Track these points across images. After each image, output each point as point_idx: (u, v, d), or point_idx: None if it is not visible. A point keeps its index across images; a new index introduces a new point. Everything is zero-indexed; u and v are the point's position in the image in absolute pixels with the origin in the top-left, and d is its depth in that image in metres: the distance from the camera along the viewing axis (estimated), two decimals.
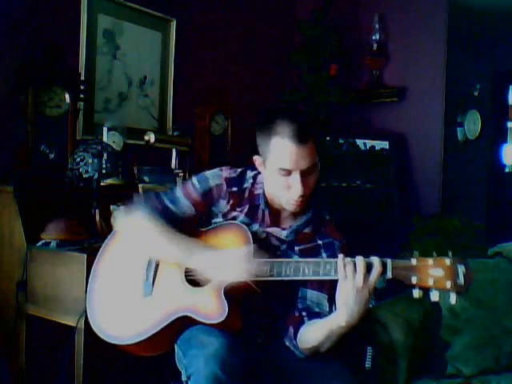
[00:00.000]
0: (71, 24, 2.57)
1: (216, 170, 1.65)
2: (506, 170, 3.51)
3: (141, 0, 2.83)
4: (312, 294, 1.57)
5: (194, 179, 1.66)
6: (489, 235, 2.95)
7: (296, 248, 1.60)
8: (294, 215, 1.60)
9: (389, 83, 3.56)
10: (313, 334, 1.49)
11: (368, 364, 2.58)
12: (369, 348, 2.47)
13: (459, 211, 2.98)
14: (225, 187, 1.62)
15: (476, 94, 3.39)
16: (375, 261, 1.35)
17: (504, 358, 2.06)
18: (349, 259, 1.36)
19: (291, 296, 1.59)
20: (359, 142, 3.39)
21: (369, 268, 1.34)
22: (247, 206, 1.62)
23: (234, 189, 1.63)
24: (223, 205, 1.64)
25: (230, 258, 1.46)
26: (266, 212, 1.60)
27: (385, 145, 3.42)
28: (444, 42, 3.34)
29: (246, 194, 1.63)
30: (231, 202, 1.63)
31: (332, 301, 1.51)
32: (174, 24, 3.00)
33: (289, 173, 1.48)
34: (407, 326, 2.08)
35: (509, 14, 3.21)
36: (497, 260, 2.30)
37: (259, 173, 1.64)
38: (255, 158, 1.59)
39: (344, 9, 3.63)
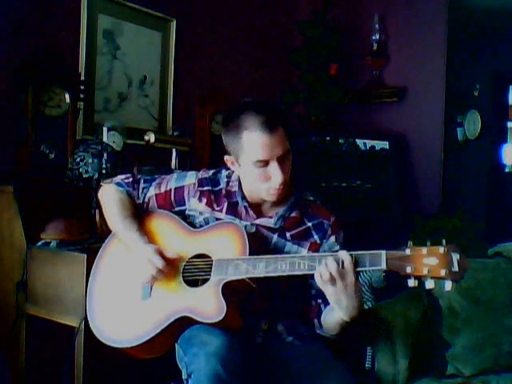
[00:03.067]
0: (71, 24, 2.57)
1: (195, 171, 1.73)
2: (506, 169, 3.51)
3: (141, 0, 2.83)
4: None
5: (175, 174, 1.75)
6: (489, 235, 2.95)
7: (287, 234, 1.61)
8: (277, 203, 1.61)
9: (389, 83, 3.55)
10: (329, 326, 1.56)
11: (368, 364, 2.58)
12: (369, 348, 2.46)
13: (459, 211, 2.97)
14: (196, 186, 1.67)
15: (476, 94, 3.39)
16: (342, 254, 1.38)
17: (504, 357, 2.06)
18: (321, 266, 1.39)
19: (289, 293, 1.59)
20: (359, 141, 3.39)
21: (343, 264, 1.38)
22: (226, 205, 1.65)
23: (206, 188, 1.67)
24: (195, 203, 1.67)
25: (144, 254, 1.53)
26: (248, 206, 1.62)
27: (385, 145, 3.42)
28: (444, 42, 3.33)
29: (223, 192, 1.66)
30: (204, 200, 1.66)
31: None
32: (174, 24, 3.00)
33: (266, 163, 1.51)
34: (407, 325, 2.08)
35: (509, 13, 3.21)
36: (497, 260, 2.31)
37: (233, 171, 1.67)
38: (226, 158, 1.62)
39: (344, 9, 3.63)
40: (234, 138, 1.54)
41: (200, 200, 1.67)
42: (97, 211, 2.20)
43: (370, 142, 3.40)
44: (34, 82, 2.28)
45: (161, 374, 1.89)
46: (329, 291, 1.39)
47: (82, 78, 2.54)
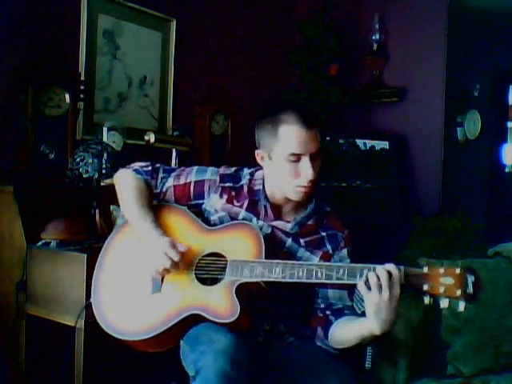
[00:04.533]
0: (71, 24, 2.57)
1: (215, 167, 1.72)
2: (506, 169, 3.50)
3: (141, 0, 2.83)
4: (334, 293, 1.59)
5: (195, 167, 1.73)
6: (489, 235, 2.94)
7: (301, 240, 1.62)
8: (296, 208, 1.62)
9: (389, 83, 3.56)
10: (345, 337, 1.52)
11: (368, 364, 2.58)
12: (369, 348, 2.46)
13: (459, 211, 2.97)
14: (218, 182, 1.67)
15: (476, 94, 3.38)
16: (392, 268, 1.36)
17: (504, 357, 2.06)
18: (371, 274, 1.36)
19: (294, 295, 1.59)
20: (359, 141, 3.39)
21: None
22: (247, 201, 1.64)
23: (228, 184, 1.67)
24: (216, 199, 1.67)
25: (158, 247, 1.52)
26: (268, 206, 1.62)
27: (385, 145, 3.42)
28: (444, 41, 3.34)
29: (245, 189, 1.66)
30: (225, 196, 1.66)
31: (352, 293, 1.56)
32: (173, 24, 3.00)
33: (298, 158, 1.52)
34: (407, 326, 2.08)
35: (509, 13, 3.21)
36: (497, 260, 2.31)
37: (257, 170, 1.67)
38: (257, 152, 1.62)
39: (344, 9, 3.63)
40: (269, 130, 1.55)
41: (221, 196, 1.66)
42: (97, 211, 2.20)
43: (369, 142, 3.40)
44: (34, 81, 2.28)
45: (161, 374, 1.89)
46: (372, 300, 1.35)
47: (82, 78, 2.54)
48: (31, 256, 2.07)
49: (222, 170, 1.70)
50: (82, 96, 2.46)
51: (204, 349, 1.40)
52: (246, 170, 1.70)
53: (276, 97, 3.31)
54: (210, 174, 1.69)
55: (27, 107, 2.27)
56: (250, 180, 1.67)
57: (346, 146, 3.37)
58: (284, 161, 1.54)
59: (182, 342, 1.56)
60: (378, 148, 3.41)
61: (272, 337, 1.61)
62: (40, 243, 2.07)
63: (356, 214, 3.28)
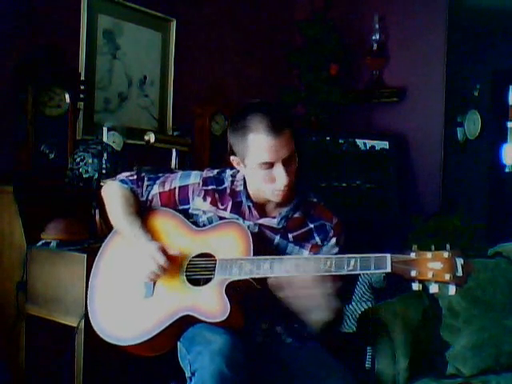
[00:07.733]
0: (71, 24, 2.57)
1: (199, 171, 1.73)
2: (506, 169, 3.50)
3: (141, 0, 2.83)
4: None
5: (180, 173, 1.74)
6: (489, 235, 2.94)
7: (289, 236, 1.61)
8: (281, 203, 1.61)
9: (389, 83, 3.56)
10: None
11: (368, 364, 2.58)
12: (369, 348, 2.46)
13: (459, 211, 2.97)
14: (200, 185, 1.67)
15: (476, 94, 3.38)
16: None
17: (504, 357, 2.06)
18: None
19: None
20: (359, 142, 3.39)
21: None
22: (230, 203, 1.65)
23: (211, 187, 1.67)
24: (200, 202, 1.67)
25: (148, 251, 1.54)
26: (252, 206, 1.62)
27: (385, 145, 3.42)
28: (444, 41, 3.34)
29: (227, 191, 1.66)
30: (208, 199, 1.66)
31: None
32: (174, 24, 3.00)
33: (271, 165, 1.50)
34: (407, 325, 2.08)
35: (509, 13, 3.21)
36: (497, 260, 2.31)
37: (238, 170, 1.67)
38: (232, 158, 1.62)
39: (344, 9, 3.63)
40: (240, 139, 1.53)
41: (204, 199, 1.67)
42: (97, 211, 2.20)
43: (369, 142, 3.40)
44: (33, 81, 2.28)
45: (161, 374, 1.89)
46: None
47: (82, 78, 2.54)
48: (31, 256, 2.07)
49: (205, 172, 1.71)
50: (81, 96, 2.46)
51: (200, 349, 1.41)
52: (229, 172, 1.70)
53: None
54: (194, 177, 1.70)
55: (27, 107, 2.27)
56: (232, 182, 1.67)
57: (346, 146, 3.37)
58: (257, 168, 1.53)
59: (178, 342, 1.56)
60: (378, 148, 3.41)
61: (270, 337, 1.61)
62: (40, 243, 2.07)
63: (356, 213, 3.28)
